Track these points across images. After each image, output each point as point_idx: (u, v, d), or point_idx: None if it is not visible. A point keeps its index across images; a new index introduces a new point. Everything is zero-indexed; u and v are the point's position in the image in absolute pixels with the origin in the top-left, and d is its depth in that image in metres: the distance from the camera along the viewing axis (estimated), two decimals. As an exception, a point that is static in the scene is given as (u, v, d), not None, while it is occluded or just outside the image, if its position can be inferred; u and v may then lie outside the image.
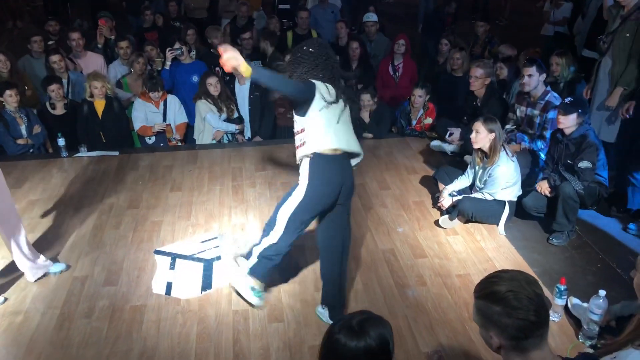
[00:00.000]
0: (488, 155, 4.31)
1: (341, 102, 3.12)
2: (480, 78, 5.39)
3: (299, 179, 3.15)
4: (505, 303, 1.65)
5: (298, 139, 3.13)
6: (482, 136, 4.24)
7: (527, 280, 1.70)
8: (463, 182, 4.57)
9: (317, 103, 3.00)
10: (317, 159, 3.06)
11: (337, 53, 7.17)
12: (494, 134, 4.21)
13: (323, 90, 3.02)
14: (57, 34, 7.48)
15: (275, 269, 3.43)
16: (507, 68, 6.26)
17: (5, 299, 3.63)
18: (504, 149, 4.29)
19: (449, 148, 5.72)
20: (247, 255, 3.52)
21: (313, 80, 3.03)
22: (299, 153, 3.14)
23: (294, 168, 5.47)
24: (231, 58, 2.76)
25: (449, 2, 9.34)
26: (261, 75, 2.89)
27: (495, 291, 1.68)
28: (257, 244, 3.38)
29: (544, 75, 4.87)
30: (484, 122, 4.23)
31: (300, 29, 7.60)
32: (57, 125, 5.89)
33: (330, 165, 3.09)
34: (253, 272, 3.39)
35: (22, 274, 3.83)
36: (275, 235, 3.24)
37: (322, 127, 3.04)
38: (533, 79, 4.82)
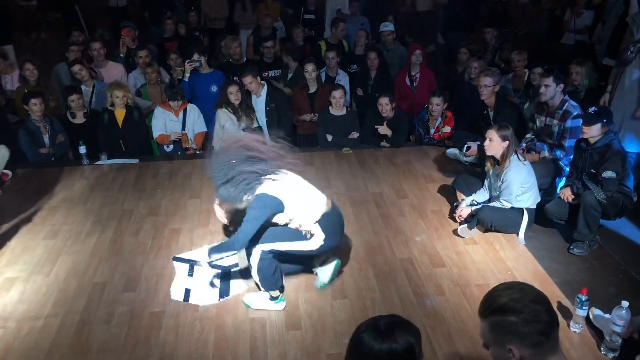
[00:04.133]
0: (499, 162, 4.28)
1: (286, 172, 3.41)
2: (489, 86, 5.36)
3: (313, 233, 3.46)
4: (518, 311, 1.65)
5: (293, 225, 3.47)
6: (495, 144, 4.21)
7: (525, 285, 1.75)
8: (481, 196, 4.54)
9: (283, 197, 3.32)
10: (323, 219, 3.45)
11: (354, 61, 7.27)
12: (507, 142, 4.18)
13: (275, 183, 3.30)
14: (81, 44, 7.60)
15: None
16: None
17: None
18: (515, 153, 4.26)
19: (464, 157, 5.69)
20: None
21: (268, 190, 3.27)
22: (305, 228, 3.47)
23: (310, 176, 5.48)
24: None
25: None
26: (219, 251, 3.42)
27: (503, 304, 1.68)
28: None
29: (562, 85, 4.82)
30: (498, 130, 4.21)
31: (333, 39, 7.63)
32: (77, 133, 5.99)
33: (335, 219, 3.54)
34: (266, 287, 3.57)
35: (44, 281, 3.89)
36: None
37: (301, 204, 3.39)
38: (550, 90, 4.78)
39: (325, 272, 3.72)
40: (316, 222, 3.43)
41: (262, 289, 3.56)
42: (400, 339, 1.71)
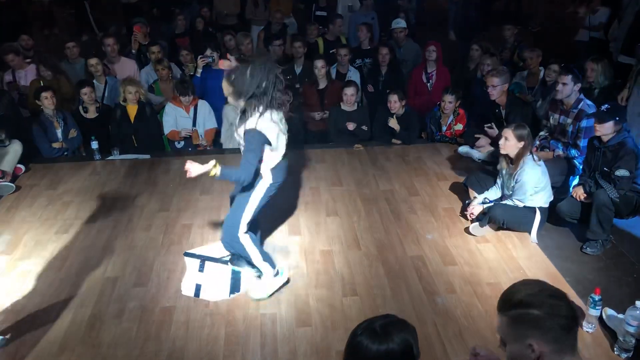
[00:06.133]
0: (514, 161, 4.25)
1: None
2: (497, 86, 5.30)
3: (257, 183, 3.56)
4: (539, 304, 1.63)
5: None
6: (511, 143, 4.18)
7: (541, 282, 1.74)
8: (493, 193, 4.50)
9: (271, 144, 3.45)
10: (273, 171, 3.56)
11: (361, 56, 7.23)
12: (523, 142, 4.15)
13: (271, 124, 3.40)
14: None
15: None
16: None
17: (5, 339, 3.33)
18: (530, 153, 4.22)
19: (476, 155, 5.65)
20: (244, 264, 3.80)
21: (261, 128, 3.35)
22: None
23: (321, 172, 5.49)
24: (195, 171, 3.32)
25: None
26: (228, 175, 3.40)
27: (522, 298, 1.66)
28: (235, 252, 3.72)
29: (579, 85, 4.77)
30: (515, 129, 4.17)
31: (331, 35, 7.61)
32: (89, 128, 6.02)
33: (284, 170, 3.65)
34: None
35: (56, 275, 3.92)
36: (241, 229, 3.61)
37: (277, 155, 3.53)
38: (567, 88, 4.73)
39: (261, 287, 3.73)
40: (272, 168, 3.55)
41: (258, 266, 3.68)
42: (397, 338, 1.71)
